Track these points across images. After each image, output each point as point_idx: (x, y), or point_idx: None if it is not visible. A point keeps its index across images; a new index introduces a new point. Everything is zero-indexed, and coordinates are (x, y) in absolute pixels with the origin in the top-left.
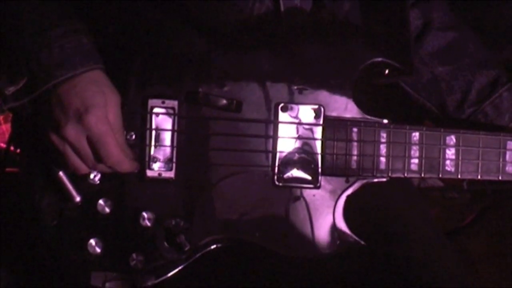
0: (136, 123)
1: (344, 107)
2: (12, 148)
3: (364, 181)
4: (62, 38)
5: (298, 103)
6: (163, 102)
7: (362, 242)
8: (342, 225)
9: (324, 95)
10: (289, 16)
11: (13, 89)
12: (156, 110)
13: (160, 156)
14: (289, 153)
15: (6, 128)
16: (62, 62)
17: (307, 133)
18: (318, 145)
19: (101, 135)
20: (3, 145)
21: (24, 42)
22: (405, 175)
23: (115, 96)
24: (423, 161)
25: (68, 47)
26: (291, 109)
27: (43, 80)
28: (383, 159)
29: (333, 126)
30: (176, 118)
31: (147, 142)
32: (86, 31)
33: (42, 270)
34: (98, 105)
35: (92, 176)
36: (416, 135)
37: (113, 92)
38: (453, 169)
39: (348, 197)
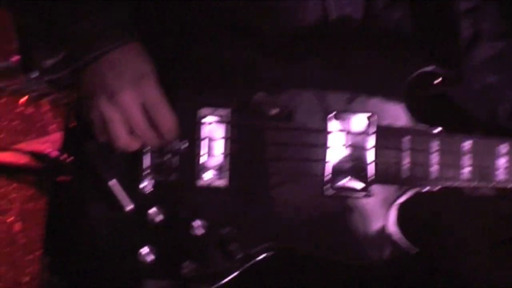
0: (188, 132)
1: (396, 116)
2: (64, 156)
3: (416, 189)
4: (100, 11)
5: (349, 112)
6: (214, 111)
7: (415, 249)
8: (395, 232)
9: (375, 104)
10: (340, 24)
11: (52, 61)
12: (208, 118)
13: (213, 164)
14: (341, 161)
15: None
16: (101, 35)
17: (359, 142)
18: (369, 154)
19: (158, 99)
20: (56, 153)
21: (63, 15)
22: (457, 184)
23: (155, 68)
24: (475, 169)
25: (107, 19)
26: (343, 117)
27: (82, 53)
28: (435, 168)
29: (384, 134)
30: (228, 126)
31: (200, 150)
32: (125, 4)
33: (95, 278)
34: (152, 71)
35: (144, 184)
36: (468, 144)
37: (153, 63)
38: (506, 178)
39: (400, 205)
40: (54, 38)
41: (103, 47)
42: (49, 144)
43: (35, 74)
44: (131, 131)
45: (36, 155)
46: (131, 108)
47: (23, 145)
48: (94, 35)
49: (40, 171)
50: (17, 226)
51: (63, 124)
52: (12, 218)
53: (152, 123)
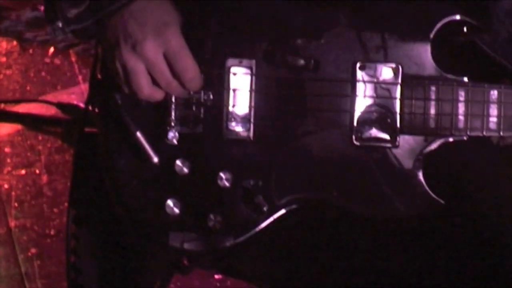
0: (213, 83)
1: (422, 66)
2: (90, 108)
3: (442, 139)
4: None
5: (376, 62)
6: (240, 62)
7: (442, 201)
8: (421, 184)
9: (402, 53)
10: None
11: (76, 11)
12: (233, 69)
13: (238, 116)
14: (367, 112)
15: (85, 87)
16: None
17: (385, 92)
18: (396, 104)
19: (181, 48)
20: (83, 105)
21: None
22: (484, 133)
23: (179, 16)
24: (502, 119)
25: None
26: (369, 68)
27: (106, 2)
28: (461, 118)
29: (411, 84)
30: (253, 77)
31: (225, 102)
32: None
33: (120, 230)
34: (174, 20)
35: (170, 136)
36: (494, 93)
37: (177, 11)
38: None
39: (427, 155)
40: None
41: None
42: (76, 95)
43: (59, 24)
44: (154, 81)
45: (63, 107)
46: (154, 57)
47: (50, 96)
48: None
49: (67, 122)
50: (44, 178)
51: (90, 75)
52: (39, 170)
53: (175, 72)
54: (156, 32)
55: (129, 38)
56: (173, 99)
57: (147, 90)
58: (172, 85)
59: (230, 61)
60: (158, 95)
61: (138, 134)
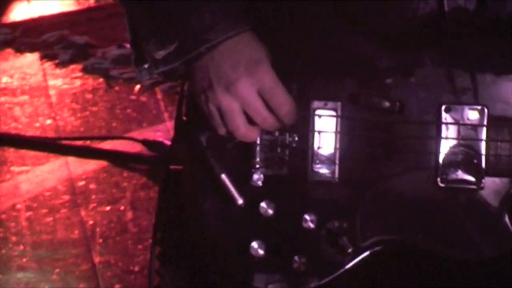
0: (298, 125)
1: (508, 106)
2: (177, 145)
3: None
4: (212, 2)
5: (461, 104)
6: (325, 104)
7: None
8: (507, 226)
9: (487, 95)
10: (453, 16)
11: (164, 53)
12: (318, 112)
13: (323, 158)
14: (452, 154)
15: (170, 125)
16: (214, 25)
17: (470, 134)
18: (481, 146)
19: (274, 84)
20: (169, 142)
21: (174, 6)
22: None
23: (268, 53)
24: None
25: (218, 10)
26: (455, 109)
27: (195, 44)
28: None
29: (496, 126)
30: (338, 119)
31: (310, 143)
32: None
33: (205, 270)
34: (265, 57)
35: (255, 178)
36: None
37: (266, 48)
38: None
39: None
40: (167, 29)
41: (216, 38)
42: (162, 132)
43: (147, 66)
44: (249, 121)
45: (149, 144)
46: (249, 96)
47: (136, 133)
48: (207, 26)
49: (153, 159)
50: (129, 215)
51: (176, 114)
52: (123, 207)
53: (270, 108)
54: (248, 70)
55: (222, 78)
56: (258, 141)
57: (243, 129)
58: (268, 121)
59: (315, 104)
60: (254, 133)
61: (223, 176)
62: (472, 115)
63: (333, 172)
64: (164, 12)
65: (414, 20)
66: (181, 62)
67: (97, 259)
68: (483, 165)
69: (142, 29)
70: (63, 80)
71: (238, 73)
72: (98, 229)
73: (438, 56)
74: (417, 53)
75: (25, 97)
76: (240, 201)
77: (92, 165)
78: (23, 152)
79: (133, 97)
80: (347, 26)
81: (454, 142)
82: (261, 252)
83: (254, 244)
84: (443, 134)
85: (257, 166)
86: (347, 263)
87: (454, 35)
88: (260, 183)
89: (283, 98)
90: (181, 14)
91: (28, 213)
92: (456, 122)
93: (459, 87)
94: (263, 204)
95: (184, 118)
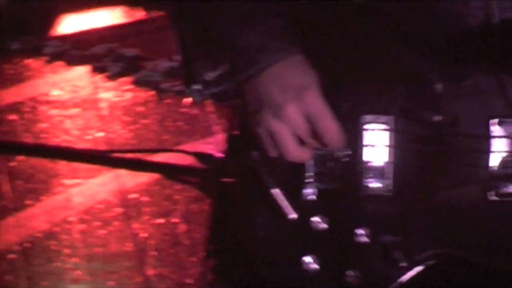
0: (350, 139)
1: None
2: (228, 158)
3: None
4: (263, 24)
5: None
6: (377, 118)
7: None
8: None
9: None
10: (503, 27)
11: (214, 74)
12: (370, 125)
13: (375, 171)
14: (504, 167)
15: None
16: (264, 48)
17: None
18: None
19: (321, 109)
20: (220, 155)
21: (225, 28)
22: None
23: (317, 76)
24: None
25: (269, 32)
26: (506, 123)
27: (245, 66)
28: None
29: None
30: (390, 133)
31: (362, 157)
32: (286, 15)
33: (258, 283)
34: (314, 81)
35: (307, 192)
36: None
37: (316, 74)
38: None
39: None
40: (217, 51)
41: (266, 61)
42: (213, 145)
43: (198, 87)
44: (301, 143)
45: (200, 156)
46: (297, 120)
47: (187, 146)
48: (257, 48)
49: (204, 172)
50: (181, 227)
51: (227, 128)
52: (176, 219)
53: (317, 133)
54: (296, 95)
55: (271, 102)
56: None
57: (294, 151)
58: (316, 146)
59: (366, 118)
60: (305, 155)
61: (276, 191)
62: None
63: (386, 186)
64: (215, 34)
65: (463, 33)
66: (231, 84)
67: (150, 272)
68: None
69: (193, 50)
70: (113, 93)
71: (286, 97)
72: (151, 242)
73: (488, 68)
74: (467, 65)
75: (76, 110)
76: (293, 215)
77: (144, 178)
78: (75, 165)
79: (184, 109)
80: (396, 39)
81: (505, 155)
82: (314, 266)
83: (307, 259)
84: (494, 147)
85: (309, 180)
86: (401, 277)
87: (503, 47)
88: (312, 197)
89: (330, 123)
90: (231, 36)
91: (81, 226)
92: (508, 135)
93: (510, 99)
94: (315, 218)
95: (236, 132)
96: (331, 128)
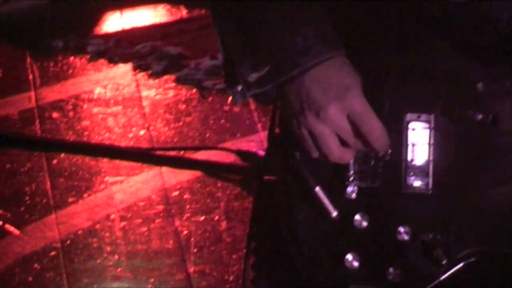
0: (392, 138)
1: None
2: (269, 158)
3: None
4: (305, 25)
5: None
6: (419, 117)
7: None
8: None
9: None
10: None
11: (256, 75)
12: (412, 124)
13: (417, 170)
14: None
15: (264, 135)
16: (306, 50)
17: None
18: None
19: (364, 110)
20: (261, 153)
21: (267, 30)
22: None
23: (359, 76)
24: None
25: (310, 34)
26: None
27: (288, 67)
28: None
29: None
30: (432, 132)
31: (404, 156)
32: (328, 16)
33: (299, 282)
34: (356, 82)
35: (349, 190)
36: None
37: (358, 75)
38: None
39: None
40: (259, 52)
41: (308, 62)
42: (255, 143)
43: (240, 88)
44: (342, 143)
45: (242, 154)
46: (339, 121)
47: (229, 144)
48: (299, 50)
49: (246, 169)
50: (223, 225)
51: (268, 130)
52: (218, 217)
53: (361, 133)
54: (339, 97)
55: (313, 104)
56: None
57: (337, 152)
58: (359, 146)
59: (408, 116)
60: (348, 156)
61: (317, 189)
62: None
63: (426, 184)
64: (257, 35)
65: (507, 32)
66: (273, 85)
67: (191, 269)
68: None
69: (235, 51)
70: (156, 91)
71: (328, 99)
72: (192, 239)
73: None
74: (508, 66)
75: (119, 108)
76: (334, 213)
77: (186, 175)
78: (117, 162)
79: (226, 107)
80: (438, 38)
81: None
82: (355, 264)
83: (349, 257)
84: None
85: (351, 178)
86: (442, 275)
87: None
88: (354, 195)
89: (373, 123)
90: (274, 37)
91: (123, 223)
92: None
93: None
94: (357, 217)
95: (277, 130)
96: (375, 128)
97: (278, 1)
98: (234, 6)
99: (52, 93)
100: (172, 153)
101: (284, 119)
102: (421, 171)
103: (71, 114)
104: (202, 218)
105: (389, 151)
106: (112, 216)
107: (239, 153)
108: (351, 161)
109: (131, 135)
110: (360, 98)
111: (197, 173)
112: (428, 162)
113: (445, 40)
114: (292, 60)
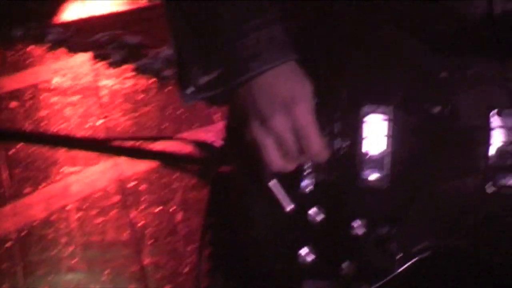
0: (349, 130)
1: None
2: (227, 146)
3: None
4: (257, 30)
5: None
6: (376, 109)
7: None
8: None
9: None
10: (504, 18)
11: (207, 79)
12: (369, 117)
13: (373, 163)
14: (503, 159)
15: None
16: (257, 55)
17: None
18: None
19: (307, 125)
20: (220, 143)
21: (220, 34)
22: None
23: (311, 87)
24: None
25: (263, 39)
26: (505, 114)
27: (238, 72)
28: None
29: None
30: (389, 124)
31: (360, 149)
32: (283, 22)
33: (254, 275)
34: (304, 96)
35: (304, 184)
36: None
37: (309, 83)
38: None
39: None
40: (211, 56)
41: (257, 69)
42: (212, 133)
43: (190, 90)
44: (285, 154)
45: (199, 144)
46: (283, 133)
47: (187, 134)
48: (250, 55)
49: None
50: (179, 216)
51: (226, 117)
52: (174, 208)
53: (302, 146)
54: (284, 108)
55: (258, 113)
56: None
57: (277, 164)
58: (299, 158)
59: (366, 108)
60: (289, 166)
61: (273, 182)
62: None
63: (382, 178)
64: (209, 37)
65: (464, 23)
66: (222, 89)
67: (146, 261)
68: None
69: (187, 53)
70: (115, 80)
71: (273, 109)
72: (148, 230)
73: (490, 59)
74: (468, 56)
75: (77, 97)
76: (290, 207)
77: (143, 166)
78: (74, 153)
79: None
80: (397, 29)
81: (503, 147)
82: (309, 258)
83: (303, 251)
84: (492, 140)
85: (307, 172)
86: (397, 269)
87: (505, 38)
88: (309, 189)
89: (314, 138)
90: (226, 41)
91: (78, 214)
92: (506, 127)
93: (509, 91)
94: (312, 210)
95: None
96: (315, 144)
97: (232, 5)
98: (187, 6)
99: (10, 82)
100: (129, 143)
101: (230, 124)
102: (377, 164)
103: (29, 103)
104: (158, 209)
105: (346, 143)
106: (68, 207)
107: (196, 143)
108: None
109: (88, 125)
110: (306, 111)
111: (154, 164)
112: (384, 154)
113: (406, 29)
114: (242, 65)
